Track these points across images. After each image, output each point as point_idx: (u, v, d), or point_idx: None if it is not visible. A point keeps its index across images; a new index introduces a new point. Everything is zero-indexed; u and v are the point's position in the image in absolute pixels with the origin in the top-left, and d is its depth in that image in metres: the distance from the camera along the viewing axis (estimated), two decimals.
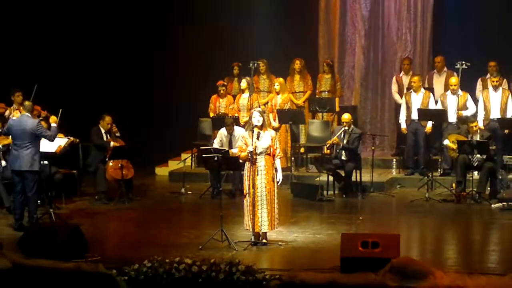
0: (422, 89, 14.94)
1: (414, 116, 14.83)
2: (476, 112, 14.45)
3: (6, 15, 16.38)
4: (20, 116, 12.29)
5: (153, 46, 16.95)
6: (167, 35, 16.79)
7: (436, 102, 14.89)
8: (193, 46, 16.59)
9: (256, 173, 10.84)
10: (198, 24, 16.48)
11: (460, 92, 14.61)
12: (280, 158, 11.06)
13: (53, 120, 12.28)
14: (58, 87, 15.73)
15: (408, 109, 14.95)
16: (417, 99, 14.90)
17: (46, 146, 12.37)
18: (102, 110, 14.32)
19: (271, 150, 10.88)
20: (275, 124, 14.84)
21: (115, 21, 16.90)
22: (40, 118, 12.92)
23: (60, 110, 13.02)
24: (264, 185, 10.86)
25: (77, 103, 15.49)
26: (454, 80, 14.63)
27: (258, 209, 10.85)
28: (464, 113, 14.49)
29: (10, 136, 12.24)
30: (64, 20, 16.73)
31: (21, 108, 13.99)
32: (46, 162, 12.77)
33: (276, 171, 10.94)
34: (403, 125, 15.09)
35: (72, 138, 13.33)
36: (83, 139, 14.06)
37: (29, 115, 11.96)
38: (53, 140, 12.13)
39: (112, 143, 13.94)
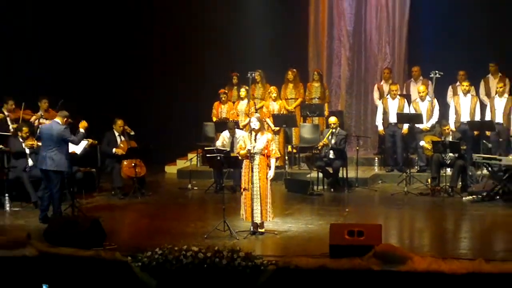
0: (398, 96, 14.99)
1: (392, 119, 14.87)
2: (438, 120, 14.51)
3: (25, 24, 16.30)
4: (51, 121, 12.26)
5: (161, 60, 16.89)
6: (174, 49, 16.76)
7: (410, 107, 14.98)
8: (195, 57, 16.55)
9: (252, 170, 10.88)
10: (203, 42, 16.45)
11: (429, 98, 14.66)
12: (276, 157, 11.05)
13: (82, 126, 12.25)
14: (77, 94, 15.65)
15: (385, 113, 15.00)
16: (393, 104, 14.95)
17: (72, 147, 12.40)
18: (117, 114, 14.32)
19: (266, 151, 10.91)
20: (271, 127, 14.84)
21: (130, 33, 16.86)
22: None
23: (61, 100, 12.98)
24: (258, 181, 10.88)
25: (95, 108, 15.41)
26: (422, 88, 14.80)
27: (253, 202, 10.89)
28: (428, 124, 14.59)
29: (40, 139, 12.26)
30: (78, 29, 16.65)
31: (46, 114, 14.04)
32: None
33: (270, 168, 10.96)
34: (380, 127, 15.16)
35: (91, 140, 13.33)
36: (101, 141, 14.08)
37: (59, 121, 11.89)
38: (77, 144, 12.09)
39: (114, 150, 13.93)
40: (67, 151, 11.84)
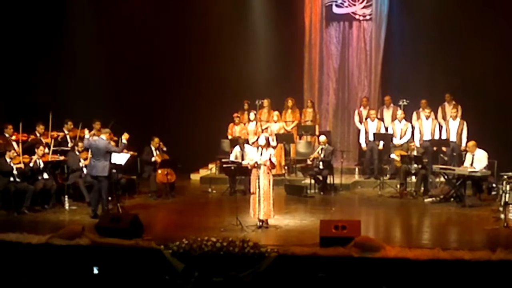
0: (376, 119, 15.01)
1: (371, 138, 14.88)
2: (410, 139, 14.50)
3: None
4: (98, 138, 12.32)
5: (191, 92, 16.79)
6: (199, 84, 16.71)
7: (386, 128, 14.95)
8: (215, 89, 16.54)
9: (258, 177, 10.90)
10: (222, 76, 16.43)
11: (404, 121, 14.69)
12: (275, 160, 11.11)
13: (125, 137, 12.32)
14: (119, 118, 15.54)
15: (366, 133, 14.99)
16: (372, 126, 14.95)
17: (116, 159, 12.41)
18: (154, 133, 14.33)
19: (269, 162, 10.94)
20: (274, 143, 14.84)
21: (162, 59, 16.72)
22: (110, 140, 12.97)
23: (112, 122, 13.07)
24: (262, 186, 10.89)
25: (135, 128, 15.30)
26: (399, 112, 14.73)
27: (260, 203, 10.89)
28: (401, 141, 14.56)
29: (90, 151, 12.31)
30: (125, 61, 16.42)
31: (98, 133, 14.06)
32: (114, 170, 12.81)
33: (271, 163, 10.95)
34: (363, 145, 15.13)
35: (132, 152, 13.35)
36: (140, 153, 14.08)
37: (104, 137, 11.98)
38: (120, 152, 12.08)
39: (153, 158, 13.94)
40: (110, 161, 11.88)
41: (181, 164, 14.14)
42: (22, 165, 12.38)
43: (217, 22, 16.39)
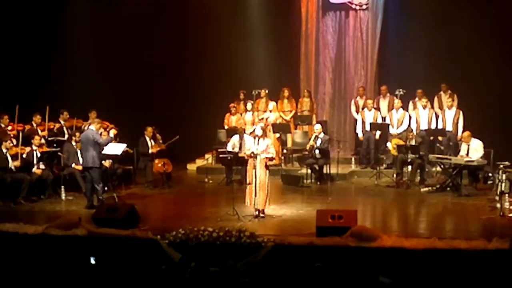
0: (373, 109, 14.99)
1: (367, 127, 14.86)
2: (406, 128, 14.40)
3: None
4: (88, 128, 12.29)
5: (187, 83, 16.75)
6: (196, 75, 16.65)
7: (383, 118, 14.94)
8: (212, 79, 16.52)
9: (255, 167, 10.88)
10: (218, 67, 16.41)
11: (401, 110, 14.67)
12: (272, 155, 11.03)
13: (113, 132, 12.33)
14: (116, 109, 15.47)
15: (363, 123, 14.98)
16: (369, 115, 14.94)
17: (111, 149, 12.35)
18: (149, 123, 14.28)
19: (266, 152, 10.92)
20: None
21: (165, 56, 16.70)
22: (103, 130, 12.94)
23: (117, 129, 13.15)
24: (259, 176, 10.87)
25: (133, 119, 15.31)
26: (397, 101, 14.71)
27: (256, 192, 10.88)
28: (398, 131, 14.54)
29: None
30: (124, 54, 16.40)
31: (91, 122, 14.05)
32: (111, 160, 12.77)
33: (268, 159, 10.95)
34: (360, 134, 15.12)
35: (128, 149, 13.23)
36: (133, 146, 14.02)
37: (93, 127, 11.94)
38: (105, 145, 12.02)
39: (150, 150, 13.92)
40: (100, 151, 11.84)
41: (177, 144, 14.09)
42: (18, 163, 12.32)
43: (213, 11, 16.32)
